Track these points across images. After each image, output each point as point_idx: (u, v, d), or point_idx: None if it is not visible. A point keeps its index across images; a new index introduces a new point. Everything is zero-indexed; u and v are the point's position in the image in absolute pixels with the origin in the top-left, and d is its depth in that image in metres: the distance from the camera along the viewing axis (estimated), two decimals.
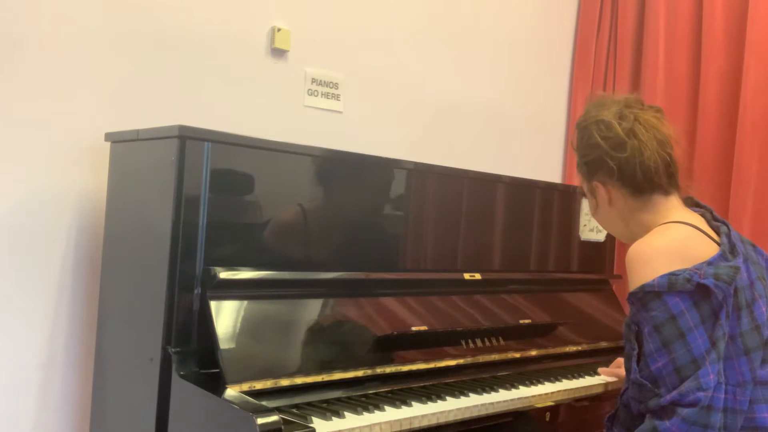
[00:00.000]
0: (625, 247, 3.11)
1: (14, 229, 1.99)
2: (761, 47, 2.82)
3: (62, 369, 2.09)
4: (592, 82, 3.43)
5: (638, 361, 1.49)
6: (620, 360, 2.17)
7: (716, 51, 2.97)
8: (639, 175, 1.60)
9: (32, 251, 2.02)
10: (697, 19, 3.08)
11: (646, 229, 1.60)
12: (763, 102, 2.80)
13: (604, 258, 2.87)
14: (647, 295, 1.44)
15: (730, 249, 1.53)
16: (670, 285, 1.42)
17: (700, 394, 1.38)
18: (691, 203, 1.69)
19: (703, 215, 1.64)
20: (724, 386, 1.42)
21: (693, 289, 1.42)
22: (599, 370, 2.22)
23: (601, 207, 1.70)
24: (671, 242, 1.52)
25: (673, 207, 1.62)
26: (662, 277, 1.43)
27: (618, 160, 1.60)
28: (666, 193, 1.62)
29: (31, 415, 2.04)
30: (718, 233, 1.57)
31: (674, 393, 1.40)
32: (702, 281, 1.41)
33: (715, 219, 1.63)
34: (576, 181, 3.36)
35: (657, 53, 3.17)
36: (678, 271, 1.43)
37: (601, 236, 2.83)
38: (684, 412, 1.38)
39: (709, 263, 1.46)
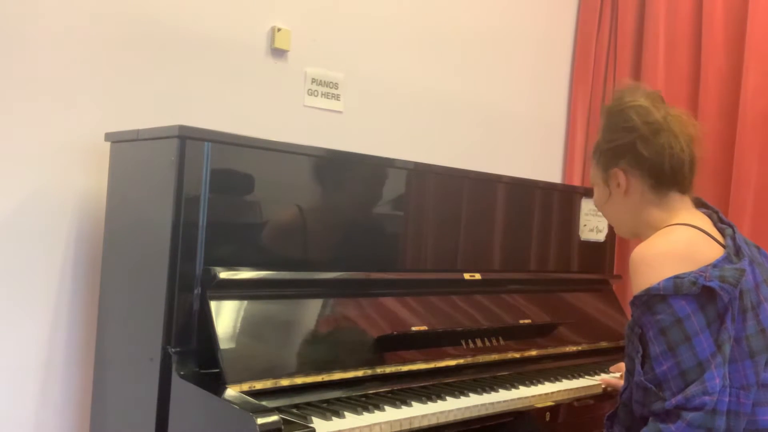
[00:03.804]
0: (625, 246, 3.13)
1: (14, 229, 1.99)
2: (761, 47, 2.82)
3: (62, 369, 2.09)
4: (592, 82, 3.43)
5: (642, 364, 1.48)
6: (621, 365, 2.17)
7: (716, 51, 2.97)
8: (667, 168, 1.57)
9: (32, 251, 2.02)
10: (697, 20, 3.08)
11: (652, 227, 1.59)
12: (763, 102, 2.80)
13: (604, 258, 2.87)
14: (652, 298, 1.44)
15: (735, 251, 1.52)
16: (676, 288, 1.41)
17: (706, 398, 1.37)
18: (699, 204, 1.68)
19: (709, 216, 1.62)
20: (728, 389, 1.42)
21: (699, 292, 1.41)
22: (601, 377, 2.21)
23: (614, 197, 1.65)
24: (676, 245, 1.51)
25: (683, 207, 1.61)
26: (667, 280, 1.42)
27: (650, 147, 1.57)
28: (683, 192, 1.61)
29: (31, 415, 2.04)
30: (723, 235, 1.56)
31: (679, 397, 1.39)
32: (707, 284, 1.40)
33: (722, 221, 1.63)
34: (576, 180, 3.38)
35: (657, 53, 3.17)
36: (683, 274, 1.42)
37: (601, 236, 2.83)
38: (689, 416, 1.37)
39: (714, 265, 1.45)
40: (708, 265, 1.45)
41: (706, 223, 1.58)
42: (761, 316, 1.49)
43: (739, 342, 1.45)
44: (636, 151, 1.58)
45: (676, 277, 1.42)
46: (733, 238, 1.55)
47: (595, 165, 1.70)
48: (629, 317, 1.57)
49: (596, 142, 1.70)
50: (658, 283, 1.43)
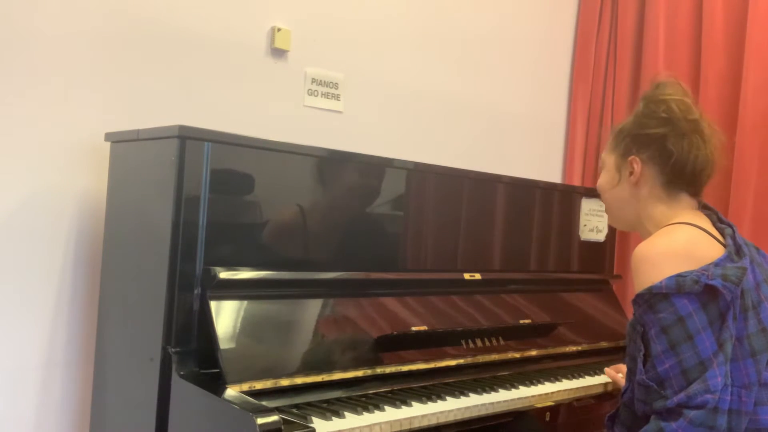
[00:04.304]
0: (625, 246, 3.13)
1: (14, 229, 1.99)
2: (761, 48, 2.82)
3: (62, 369, 2.09)
4: (592, 82, 3.43)
5: (644, 363, 1.49)
6: (618, 366, 2.17)
7: (716, 52, 2.97)
8: (688, 169, 1.57)
9: (32, 251, 2.02)
10: (697, 20, 3.08)
11: (653, 222, 1.59)
12: (763, 103, 2.80)
13: (604, 258, 2.87)
14: (654, 296, 1.44)
15: (735, 250, 1.52)
16: (678, 286, 1.41)
17: (708, 396, 1.38)
18: (699, 205, 1.68)
19: (709, 217, 1.63)
20: (730, 388, 1.42)
21: (701, 291, 1.41)
22: (605, 369, 2.21)
23: (621, 185, 1.64)
24: (677, 243, 1.51)
25: (686, 208, 1.61)
26: (670, 278, 1.42)
27: (680, 144, 1.56)
28: (693, 195, 1.61)
29: (31, 415, 2.04)
30: (723, 235, 1.57)
31: (681, 395, 1.40)
32: (710, 282, 1.41)
33: (721, 221, 1.63)
34: (576, 180, 3.38)
35: (657, 53, 3.17)
36: (685, 272, 1.43)
37: (601, 236, 2.83)
38: (691, 414, 1.38)
39: (716, 264, 1.46)
40: (710, 264, 1.45)
41: (706, 223, 1.58)
42: (762, 315, 1.49)
43: (740, 341, 1.45)
44: (663, 145, 1.58)
45: (679, 275, 1.42)
46: (734, 238, 1.55)
47: (613, 148, 1.67)
48: (629, 317, 1.57)
49: (622, 125, 1.68)
50: (660, 282, 1.43)
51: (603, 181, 1.70)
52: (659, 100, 1.61)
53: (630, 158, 1.62)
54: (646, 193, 1.62)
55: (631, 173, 1.62)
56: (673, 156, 1.57)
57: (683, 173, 1.58)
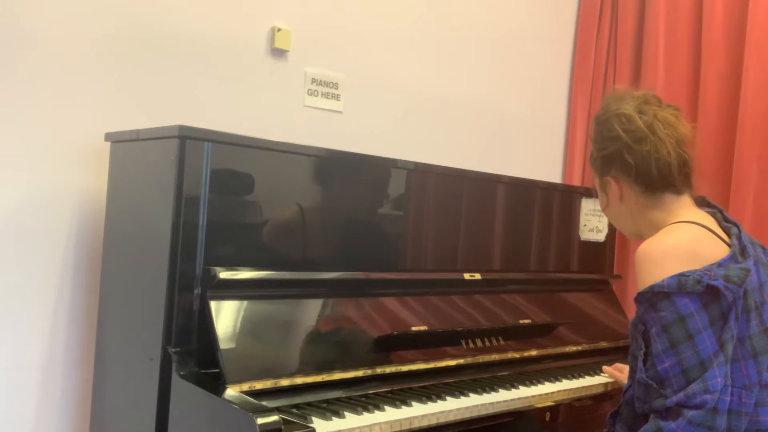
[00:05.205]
0: (625, 246, 3.13)
1: (14, 229, 1.99)
2: (761, 48, 2.82)
3: (62, 369, 2.09)
4: (592, 82, 3.43)
5: (644, 361, 1.49)
6: (618, 366, 2.18)
7: (716, 51, 2.97)
8: (654, 173, 1.58)
9: (32, 251, 2.02)
10: (697, 20, 3.08)
11: (655, 228, 1.60)
12: (763, 103, 2.80)
13: (604, 258, 2.87)
14: (656, 295, 1.44)
15: (740, 250, 1.51)
16: (680, 286, 1.41)
17: (707, 396, 1.37)
18: (703, 203, 1.68)
19: (713, 215, 1.62)
20: (730, 388, 1.42)
21: (703, 291, 1.41)
22: (603, 368, 2.22)
23: (612, 203, 1.68)
24: (681, 242, 1.51)
25: (684, 206, 1.61)
26: (672, 277, 1.42)
27: (635, 155, 1.58)
28: (678, 192, 1.61)
29: (31, 415, 2.04)
30: (728, 234, 1.56)
31: (680, 395, 1.39)
32: (712, 283, 1.40)
33: (726, 220, 1.62)
34: (576, 180, 3.38)
35: (657, 53, 3.17)
36: (688, 272, 1.42)
37: (601, 236, 2.83)
38: (690, 414, 1.38)
39: (720, 264, 1.45)
40: (713, 264, 1.45)
41: (710, 222, 1.58)
42: (765, 316, 1.49)
43: (742, 342, 1.45)
44: (623, 159, 1.61)
45: (681, 274, 1.42)
46: (739, 237, 1.55)
47: (594, 172, 1.73)
48: (630, 317, 1.57)
49: (591, 150, 1.73)
50: (663, 281, 1.43)
51: (600, 202, 1.75)
52: (603, 120, 1.65)
53: (605, 179, 1.66)
54: (633, 205, 1.64)
55: (613, 192, 1.66)
56: (634, 167, 1.59)
57: (651, 179, 1.60)
